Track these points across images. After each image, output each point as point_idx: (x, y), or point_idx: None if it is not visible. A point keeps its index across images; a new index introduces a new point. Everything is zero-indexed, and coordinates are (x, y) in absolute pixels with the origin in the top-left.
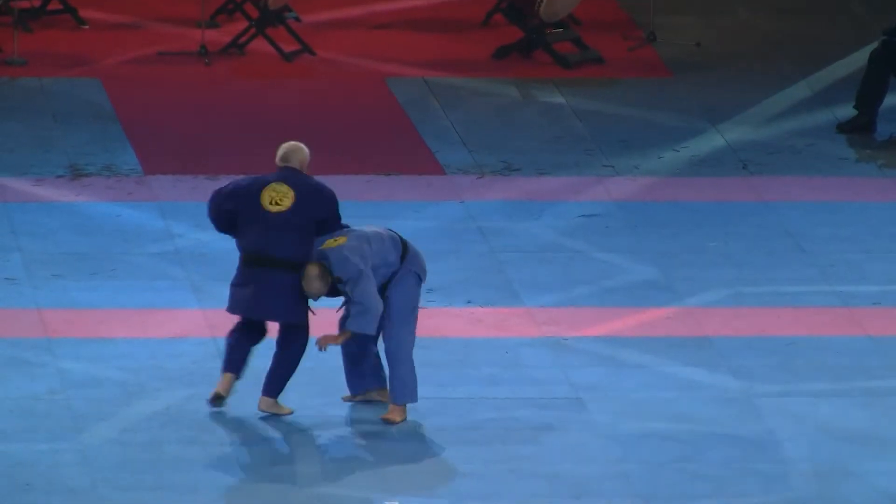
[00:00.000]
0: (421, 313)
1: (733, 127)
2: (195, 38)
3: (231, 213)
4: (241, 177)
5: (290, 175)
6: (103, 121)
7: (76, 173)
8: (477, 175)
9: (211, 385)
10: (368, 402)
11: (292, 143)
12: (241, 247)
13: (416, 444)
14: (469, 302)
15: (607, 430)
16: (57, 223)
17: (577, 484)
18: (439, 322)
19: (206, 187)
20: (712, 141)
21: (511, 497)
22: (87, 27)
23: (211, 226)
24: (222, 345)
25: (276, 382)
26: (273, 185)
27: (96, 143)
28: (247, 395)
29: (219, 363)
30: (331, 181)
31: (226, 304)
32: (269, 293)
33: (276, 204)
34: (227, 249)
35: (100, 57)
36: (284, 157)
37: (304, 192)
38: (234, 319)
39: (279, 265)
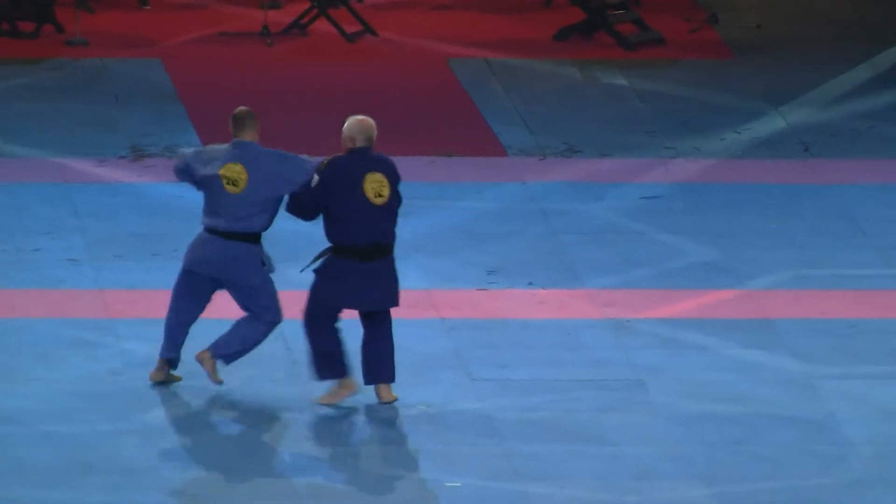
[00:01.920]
0: (483, 295)
1: (795, 109)
2: (257, 19)
3: (326, 205)
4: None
5: (380, 161)
6: (165, 101)
7: (138, 154)
8: (539, 156)
9: (271, 367)
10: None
11: (366, 120)
12: (350, 240)
13: (477, 426)
14: (531, 283)
15: (668, 411)
16: (119, 204)
17: (637, 465)
18: (501, 304)
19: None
20: (774, 123)
21: (572, 478)
22: (148, 7)
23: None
24: (285, 326)
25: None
26: (371, 174)
27: (158, 123)
28: (310, 378)
29: (279, 344)
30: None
31: (315, 297)
32: (387, 281)
33: (380, 196)
34: (289, 231)
35: (162, 37)
36: (371, 138)
37: (393, 178)
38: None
39: (389, 253)
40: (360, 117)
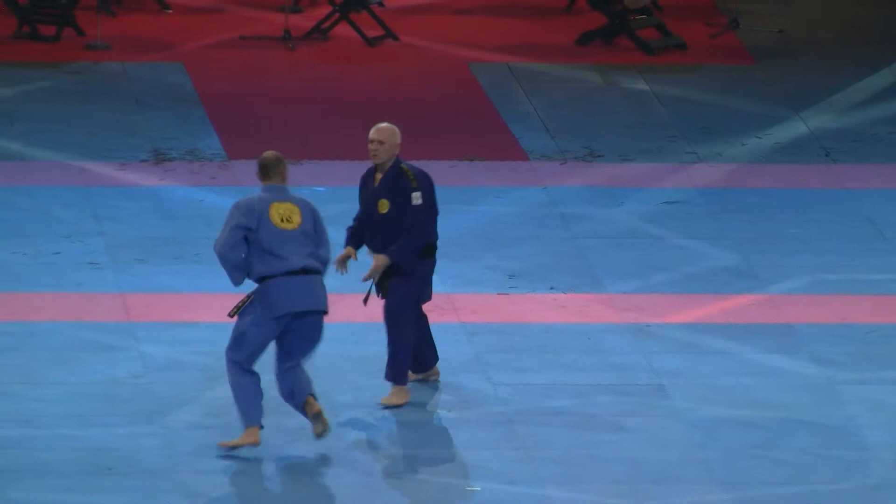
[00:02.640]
0: (503, 299)
1: (816, 114)
2: (278, 23)
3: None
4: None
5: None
6: (187, 105)
7: (159, 158)
8: (560, 161)
9: None
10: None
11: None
12: (431, 238)
13: (497, 430)
14: (551, 288)
15: (688, 416)
16: (140, 207)
17: (657, 469)
18: (521, 308)
19: (290, 172)
20: (795, 128)
21: (592, 482)
22: (170, 11)
23: None
24: None
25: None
26: None
27: (179, 127)
28: (328, 380)
29: None
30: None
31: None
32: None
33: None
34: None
35: (183, 41)
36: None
37: None
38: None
39: None
40: (390, 125)
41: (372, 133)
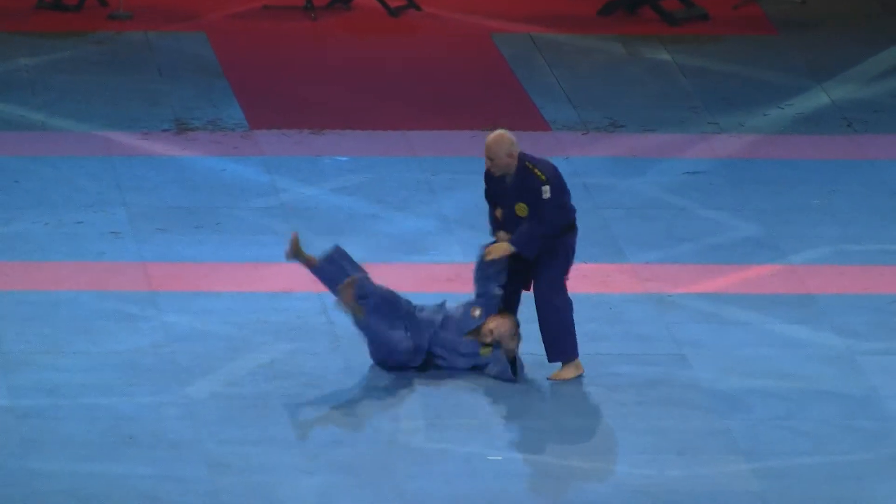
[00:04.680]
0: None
1: (838, 85)
2: None
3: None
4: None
5: None
6: (209, 75)
7: (182, 127)
8: (582, 131)
9: (313, 341)
10: None
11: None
12: (566, 221)
13: (520, 401)
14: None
15: (710, 386)
16: (162, 177)
17: (679, 440)
18: None
19: (312, 142)
20: (817, 99)
21: (614, 453)
22: None
23: (315, 179)
24: (327, 300)
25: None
26: None
27: (202, 97)
28: (351, 350)
29: (323, 318)
30: (436, 136)
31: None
32: None
33: None
34: (331, 205)
35: (205, 11)
36: None
37: None
38: None
39: None
40: (497, 135)
41: (485, 150)
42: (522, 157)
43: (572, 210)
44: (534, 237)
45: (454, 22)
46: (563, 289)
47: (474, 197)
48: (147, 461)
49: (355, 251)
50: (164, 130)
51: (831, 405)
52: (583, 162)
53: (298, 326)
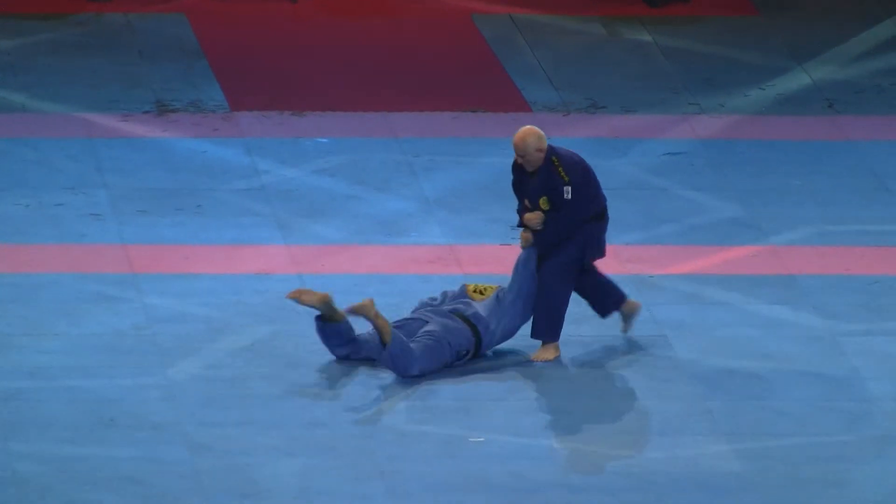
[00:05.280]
0: (504, 250)
1: (819, 66)
2: None
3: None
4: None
5: None
6: (189, 57)
7: (162, 109)
8: (563, 113)
9: (294, 321)
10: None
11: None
12: (600, 202)
13: (502, 382)
14: None
15: (691, 367)
16: (143, 159)
17: (660, 421)
18: None
19: (292, 124)
20: (798, 79)
21: (595, 434)
22: None
23: (296, 161)
24: (308, 281)
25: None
26: None
27: (183, 79)
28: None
29: None
30: (418, 118)
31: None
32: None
33: None
34: (312, 186)
35: None
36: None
37: None
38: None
39: None
40: (525, 131)
41: (515, 148)
42: (550, 151)
43: (600, 200)
44: (553, 232)
45: (434, 3)
46: (568, 277)
47: (455, 178)
48: (128, 443)
49: (336, 233)
50: (145, 112)
51: (812, 386)
52: (564, 143)
53: (279, 308)
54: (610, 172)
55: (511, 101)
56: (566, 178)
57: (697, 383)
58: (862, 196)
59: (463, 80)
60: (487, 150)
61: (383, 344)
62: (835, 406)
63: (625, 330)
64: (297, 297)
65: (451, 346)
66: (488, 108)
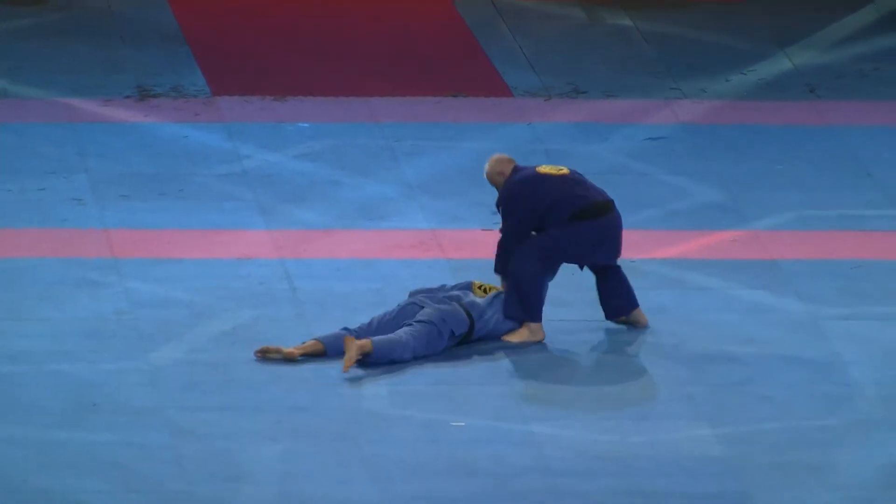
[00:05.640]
0: (487, 234)
1: (800, 51)
2: None
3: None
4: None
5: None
6: (171, 42)
7: (144, 94)
8: (544, 98)
9: (277, 306)
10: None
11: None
12: (585, 204)
13: (483, 367)
14: None
15: (673, 352)
16: (125, 144)
17: (642, 405)
18: None
19: (274, 108)
20: (780, 64)
21: (577, 419)
22: None
23: (278, 146)
24: (290, 266)
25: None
26: (539, 167)
27: (164, 64)
28: (314, 316)
29: (286, 284)
30: (399, 103)
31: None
32: (620, 237)
33: (560, 169)
34: (294, 171)
35: None
36: (512, 160)
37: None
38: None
39: (615, 209)
40: (491, 159)
41: None
42: (511, 175)
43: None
44: (498, 250)
45: None
46: (535, 256)
47: (437, 164)
48: (110, 428)
49: (318, 218)
50: (127, 97)
51: (794, 371)
52: (545, 128)
53: (261, 293)
54: (591, 157)
55: (492, 86)
56: (497, 206)
57: (679, 368)
58: (843, 181)
59: (445, 64)
60: (469, 134)
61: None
62: (816, 390)
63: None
64: (263, 355)
65: (446, 327)
66: (470, 92)
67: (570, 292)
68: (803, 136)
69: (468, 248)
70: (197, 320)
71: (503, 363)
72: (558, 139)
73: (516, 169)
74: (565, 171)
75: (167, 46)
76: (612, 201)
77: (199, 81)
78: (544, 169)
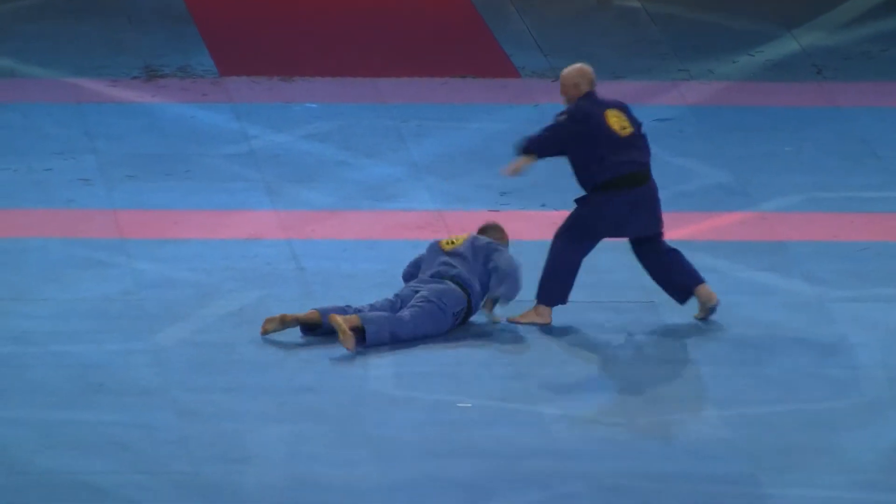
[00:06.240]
0: (495, 216)
1: (808, 32)
2: None
3: (576, 148)
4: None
5: (612, 100)
6: (178, 22)
7: (151, 74)
8: (552, 79)
9: (283, 286)
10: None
11: (585, 67)
12: (611, 173)
13: (491, 348)
14: (543, 205)
15: (680, 333)
16: (132, 124)
17: (648, 386)
18: (514, 226)
19: (281, 89)
20: (787, 46)
21: (584, 400)
22: None
23: (285, 126)
24: (296, 246)
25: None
26: (610, 111)
27: (171, 44)
28: (320, 296)
29: (292, 264)
30: (406, 84)
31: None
32: (653, 207)
33: (624, 128)
34: (301, 151)
35: None
36: (594, 82)
37: (629, 111)
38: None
39: (649, 180)
40: (575, 66)
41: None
42: (586, 96)
43: (610, 165)
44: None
45: None
46: (568, 239)
47: (443, 144)
48: (116, 408)
49: (325, 198)
50: (134, 78)
51: (801, 353)
52: (552, 109)
53: (267, 273)
54: None
55: (500, 67)
56: (562, 113)
57: (685, 350)
58: (850, 162)
59: (451, 45)
60: (476, 115)
61: (363, 333)
62: (823, 373)
63: (699, 317)
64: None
65: (446, 307)
66: (477, 73)
67: (578, 274)
68: (810, 117)
69: (473, 229)
70: (203, 301)
71: (508, 344)
72: None
73: (590, 96)
74: (629, 130)
75: (175, 27)
76: (647, 171)
77: (206, 62)
78: (612, 120)
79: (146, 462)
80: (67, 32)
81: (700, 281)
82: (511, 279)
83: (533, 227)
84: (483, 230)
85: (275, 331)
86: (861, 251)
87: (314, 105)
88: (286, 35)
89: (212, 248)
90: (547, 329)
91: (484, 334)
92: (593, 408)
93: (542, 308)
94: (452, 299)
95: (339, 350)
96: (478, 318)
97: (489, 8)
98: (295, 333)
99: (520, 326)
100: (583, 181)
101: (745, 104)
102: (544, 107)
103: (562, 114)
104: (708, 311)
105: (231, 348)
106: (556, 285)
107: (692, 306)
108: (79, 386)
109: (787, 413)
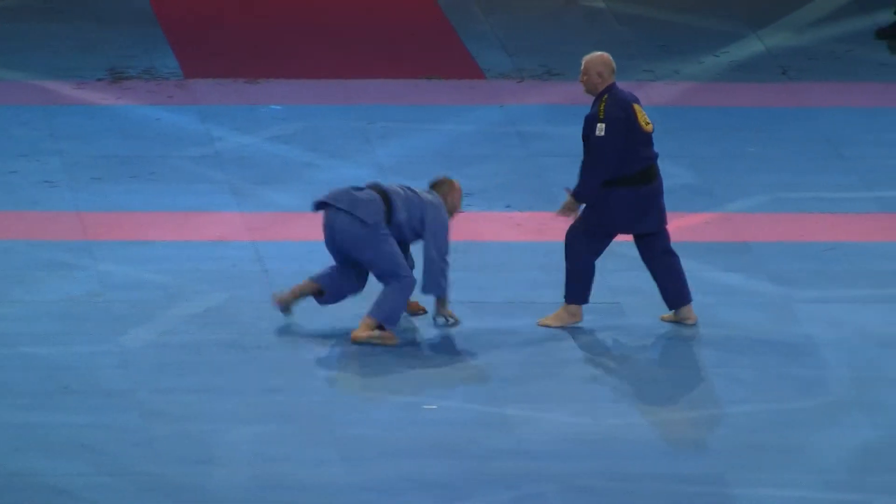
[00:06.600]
0: (460, 217)
1: (773, 32)
2: None
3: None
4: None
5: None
6: (144, 24)
7: (117, 76)
8: (517, 79)
9: (249, 288)
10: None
11: (606, 55)
12: (630, 168)
13: (457, 349)
14: (508, 206)
15: (645, 334)
16: (97, 126)
17: (615, 388)
18: (478, 226)
19: (246, 91)
20: (752, 46)
21: (549, 401)
22: None
23: (251, 128)
24: (262, 248)
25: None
26: (636, 105)
27: (137, 46)
28: (303, 304)
29: (257, 266)
30: (371, 84)
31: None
32: (660, 203)
33: (648, 123)
34: (267, 153)
35: None
36: (615, 71)
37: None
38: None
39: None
40: (599, 53)
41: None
42: (610, 89)
43: (633, 162)
44: (584, 179)
45: None
46: (582, 237)
47: (410, 145)
48: (82, 410)
49: (291, 200)
50: (99, 79)
51: (767, 353)
52: (518, 110)
53: (233, 275)
54: (565, 139)
55: (465, 68)
56: (601, 116)
57: (652, 351)
58: (816, 162)
59: (417, 46)
60: (442, 117)
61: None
62: (789, 373)
63: (666, 319)
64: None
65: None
66: (443, 75)
67: (541, 274)
68: (776, 117)
69: None
70: (169, 302)
71: (475, 346)
72: (531, 121)
73: (615, 88)
74: (651, 126)
75: (140, 29)
76: (655, 167)
77: (171, 64)
78: (640, 115)
79: (112, 464)
80: (32, 34)
81: (688, 301)
82: (439, 237)
83: (498, 229)
84: (434, 185)
85: (293, 304)
86: (826, 251)
87: (279, 107)
88: (251, 37)
89: (177, 249)
90: (510, 330)
91: (450, 336)
92: (560, 408)
93: (573, 307)
94: (368, 209)
95: (306, 351)
96: (444, 324)
97: (455, 9)
98: (263, 336)
99: (489, 328)
100: (605, 172)
101: (710, 104)
102: (510, 108)
103: (599, 121)
104: (679, 322)
105: (197, 349)
106: (579, 286)
107: (660, 307)
108: (45, 388)
109: (753, 413)
